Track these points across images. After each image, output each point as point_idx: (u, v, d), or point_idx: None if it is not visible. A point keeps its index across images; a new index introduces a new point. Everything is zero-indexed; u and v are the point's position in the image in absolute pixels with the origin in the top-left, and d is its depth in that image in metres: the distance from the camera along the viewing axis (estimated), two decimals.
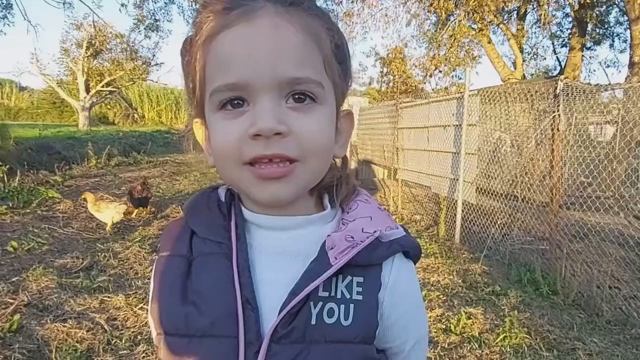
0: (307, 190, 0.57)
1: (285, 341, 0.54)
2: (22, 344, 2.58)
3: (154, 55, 20.97)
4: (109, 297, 3.26)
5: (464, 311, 3.27)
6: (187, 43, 0.57)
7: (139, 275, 3.79)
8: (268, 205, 0.58)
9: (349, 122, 0.63)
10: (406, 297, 0.62)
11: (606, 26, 14.69)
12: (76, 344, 2.62)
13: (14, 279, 3.44)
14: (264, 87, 0.50)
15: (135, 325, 2.90)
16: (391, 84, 20.24)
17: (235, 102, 0.52)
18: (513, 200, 5.18)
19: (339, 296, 0.56)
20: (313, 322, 0.55)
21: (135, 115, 29.74)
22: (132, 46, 19.96)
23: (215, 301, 0.56)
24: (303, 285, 0.55)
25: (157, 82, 23.94)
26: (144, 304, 3.15)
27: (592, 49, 15.58)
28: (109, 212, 5.07)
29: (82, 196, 5.45)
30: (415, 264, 0.65)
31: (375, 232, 0.58)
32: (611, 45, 15.43)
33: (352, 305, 0.56)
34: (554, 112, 4.13)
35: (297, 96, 0.52)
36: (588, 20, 12.08)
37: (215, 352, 0.55)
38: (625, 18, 13.25)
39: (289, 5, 0.52)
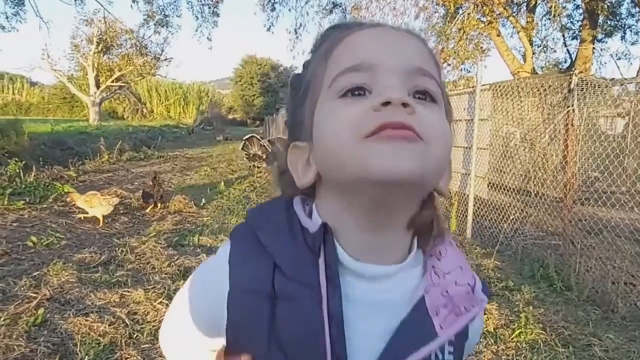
0: (425, 181, 0.48)
1: None
2: (46, 337, 2.64)
3: (162, 51, 21.12)
4: (128, 291, 3.32)
5: None
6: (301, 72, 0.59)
7: (156, 270, 3.85)
8: (385, 181, 0.45)
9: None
10: (480, 328, 0.64)
11: (617, 18, 14.47)
12: (99, 337, 2.67)
13: (35, 274, 3.51)
14: (391, 70, 0.49)
15: (156, 320, 2.95)
16: None
17: (357, 92, 0.49)
18: (525, 195, 5.17)
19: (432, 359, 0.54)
20: None
21: (144, 110, 29.93)
22: (142, 41, 20.08)
23: (304, 356, 0.51)
24: (399, 348, 0.52)
25: (165, 77, 24.12)
26: (163, 299, 3.20)
27: (603, 41, 15.38)
28: (101, 208, 5.14)
29: (70, 199, 5.36)
30: None
31: (474, 307, 0.55)
32: (622, 38, 15.20)
33: None
34: (568, 106, 4.12)
35: (419, 94, 0.50)
36: (599, 12, 11.91)
37: None
38: (637, 10, 13.10)
39: (406, 31, 0.54)
